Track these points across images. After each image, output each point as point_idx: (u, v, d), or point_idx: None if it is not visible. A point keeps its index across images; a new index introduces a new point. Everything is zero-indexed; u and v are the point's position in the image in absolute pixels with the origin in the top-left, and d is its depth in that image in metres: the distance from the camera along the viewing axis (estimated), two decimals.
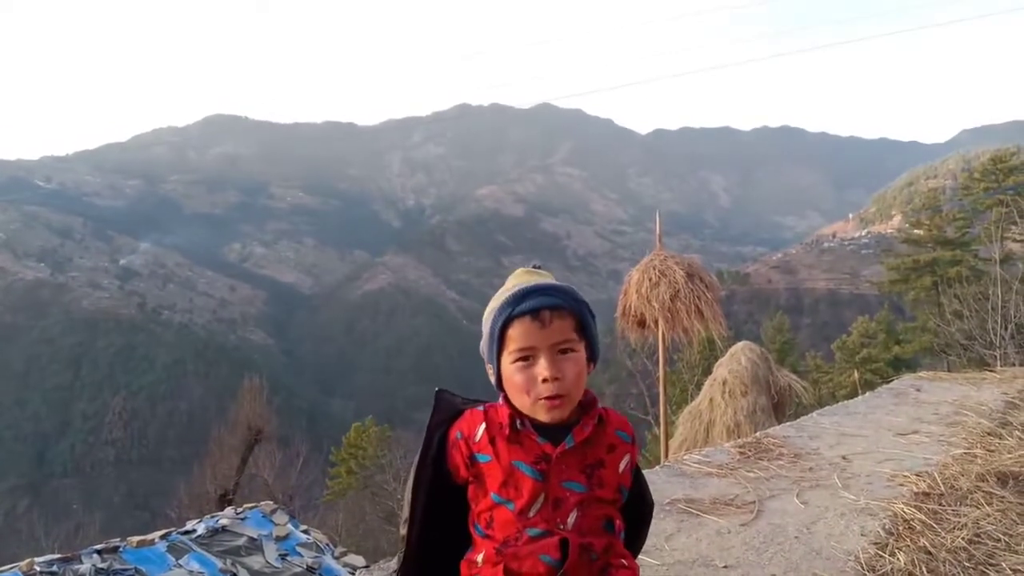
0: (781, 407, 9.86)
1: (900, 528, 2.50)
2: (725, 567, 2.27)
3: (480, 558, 1.45)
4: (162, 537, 8.52)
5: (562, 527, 1.40)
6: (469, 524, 1.51)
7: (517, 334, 1.42)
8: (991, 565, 2.18)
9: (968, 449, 3.54)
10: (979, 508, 2.62)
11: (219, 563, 8.32)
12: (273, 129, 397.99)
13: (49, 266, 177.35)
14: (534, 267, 1.57)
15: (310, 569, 8.91)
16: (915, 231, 34.79)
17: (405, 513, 1.53)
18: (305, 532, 10.15)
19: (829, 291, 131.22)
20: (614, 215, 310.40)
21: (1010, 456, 3.29)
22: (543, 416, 1.42)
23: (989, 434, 3.86)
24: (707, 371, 12.60)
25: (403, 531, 1.53)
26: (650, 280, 8.82)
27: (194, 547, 8.51)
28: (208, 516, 10.19)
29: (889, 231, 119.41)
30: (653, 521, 1.83)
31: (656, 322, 8.74)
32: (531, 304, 1.42)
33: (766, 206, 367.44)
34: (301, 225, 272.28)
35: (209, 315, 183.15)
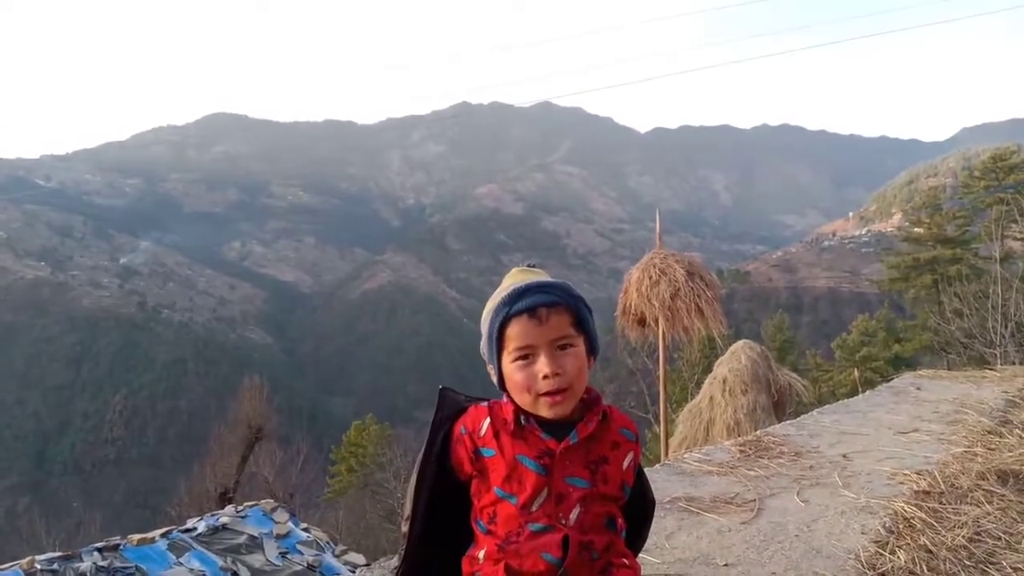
0: (781, 405, 9.86)
1: (900, 526, 2.51)
2: (726, 565, 2.27)
3: (482, 555, 1.46)
4: (163, 535, 8.53)
5: (564, 523, 1.41)
6: (471, 520, 1.51)
7: (515, 333, 1.43)
8: (991, 563, 2.18)
9: (968, 447, 3.54)
10: (979, 506, 2.62)
11: (220, 561, 8.33)
12: (273, 128, 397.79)
13: (49, 265, 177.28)
14: (528, 266, 1.58)
15: (311, 567, 8.92)
16: (915, 229, 34.82)
17: (407, 510, 1.54)
18: (305, 530, 10.17)
19: (829, 289, 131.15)
20: (614, 213, 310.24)
21: (1010, 454, 3.30)
22: (546, 412, 1.43)
23: (989, 432, 3.86)
24: (707, 369, 12.60)
25: (404, 528, 1.54)
26: (650, 278, 8.82)
27: (195, 545, 8.52)
28: (209, 514, 10.21)
29: (889, 229, 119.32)
30: (654, 519, 1.84)
31: (656, 320, 8.74)
32: (527, 302, 1.43)
33: (766, 204, 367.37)
34: (301, 224, 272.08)
35: (209, 314, 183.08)
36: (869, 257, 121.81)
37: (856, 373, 21.78)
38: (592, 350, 1.49)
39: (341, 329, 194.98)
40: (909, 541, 2.36)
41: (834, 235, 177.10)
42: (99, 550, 7.97)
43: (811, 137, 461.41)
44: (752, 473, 3.27)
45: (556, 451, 1.43)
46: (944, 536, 2.37)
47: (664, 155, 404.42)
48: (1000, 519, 2.50)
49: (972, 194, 34.09)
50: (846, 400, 5.44)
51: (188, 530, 8.96)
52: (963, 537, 2.34)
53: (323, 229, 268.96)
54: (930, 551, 2.27)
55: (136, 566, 7.80)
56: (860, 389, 7.27)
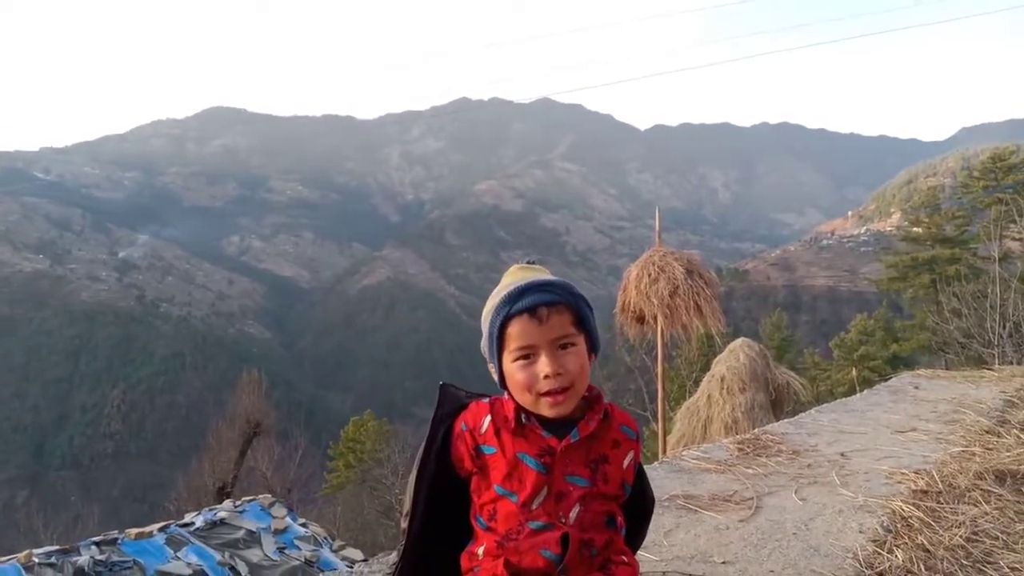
0: (779, 404, 9.88)
1: (898, 526, 2.51)
2: (724, 563, 2.28)
3: (481, 551, 1.46)
4: (160, 529, 8.54)
5: (564, 521, 1.41)
6: (471, 517, 1.51)
7: (516, 332, 1.42)
8: (989, 563, 2.18)
9: (966, 447, 3.55)
10: (977, 506, 2.62)
11: (217, 556, 8.34)
12: (272, 122, 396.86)
13: (48, 258, 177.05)
14: (528, 263, 1.57)
15: (308, 562, 8.93)
16: (914, 229, 34.83)
17: (407, 506, 1.53)
18: (303, 525, 10.18)
19: (828, 288, 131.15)
20: (613, 211, 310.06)
21: (1008, 454, 3.30)
22: (548, 412, 1.43)
23: (987, 432, 3.86)
24: (705, 367, 12.60)
25: (404, 524, 1.53)
26: (649, 276, 8.82)
27: (192, 540, 8.53)
28: (206, 509, 10.21)
29: (888, 229, 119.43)
30: (652, 517, 1.84)
31: (655, 318, 8.74)
32: (528, 302, 1.42)
33: (765, 203, 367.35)
34: (300, 218, 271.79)
35: (207, 308, 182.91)
36: (868, 256, 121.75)
37: (854, 372, 21.78)
38: (593, 348, 1.48)
39: (340, 324, 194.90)
40: (907, 540, 2.36)
41: (833, 234, 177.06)
42: (97, 544, 7.98)
43: (811, 136, 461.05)
44: (750, 471, 3.28)
45: (557, 449, 1.43)
46: (942, 535, 2.37)
47: (664, 152, 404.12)
48: (998, 519, 2.51)
49: (971, 194, 34.11)
50: (844, 399, 5.44)
51: (186, 524, 8.97)
52: (961, 537, 2.35)
53: (322, 224, 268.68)
54: (928, 550, 2.27)
55: (134, 560, 7.81)
56: (858, 388, 7.27)
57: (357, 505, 27.55)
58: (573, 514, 1.41)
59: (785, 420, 4.72)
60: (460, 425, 1.51)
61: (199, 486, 21.86)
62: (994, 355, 14.61)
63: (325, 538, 10.25)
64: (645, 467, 1.80)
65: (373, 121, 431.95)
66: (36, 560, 7.33)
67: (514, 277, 1.50)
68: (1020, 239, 22.80)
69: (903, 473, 3.13)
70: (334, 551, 9.79)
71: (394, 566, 1.56)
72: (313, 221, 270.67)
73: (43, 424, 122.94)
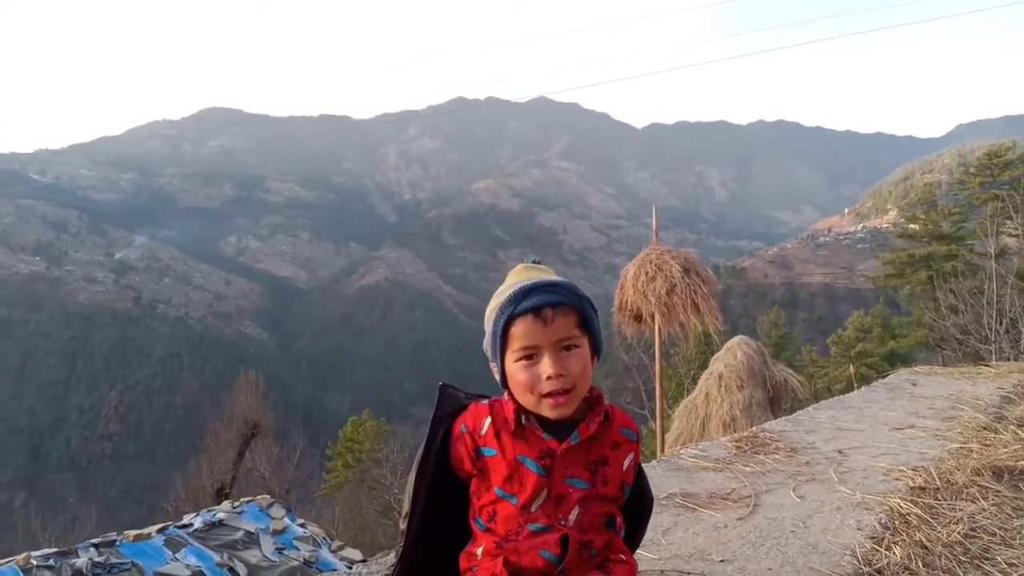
0: (777, 401, 9.88)
1: (896, 522, 2.51)
2: (722, 561, 2.28)
3: (480, 551, 1.46)
4: (159, 531, 8.52)
5: (563, 523, 1.41)
6: (470, 518, 1.51)
7: (520, 333, 1.42)
8: (986, 559, 2.19)
9: (963, 444, 3.55)
10: (974, 503, 2.63)
11: (216, 557, 8.32)
12: (268, 122, 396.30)
13: (44, 260, 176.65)
14: (533, 262, 1.56)
15: (307, 563, 8.92)
16: (910, 226, 34.84)
17: (406, 507, 1.53)
18: (302, 526, 10.17)
19: (825, 286, 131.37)
20: (610, 209, 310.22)
21: (1005, 450, 3.31)
22: (549, 413, 1.42)
23: (984, 429, 3.87)
24: (703, 365, 12.62)
25: (403, 525, 1.53)
26: (646, 274, 8.82)
27: (191, 541, 8.51)
28: (205, 510, 10.20)
29: (884, 226, 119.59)
30: (650, 516, 1.84)
31: (652, 316, 8.74)
32: (533, 302, 1.41)
33: (762, 200, 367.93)
34: (297, 219, 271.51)
35: (204, 309, 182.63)
36: (864, 253, 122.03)
37: (852, 369, 21.86)
38: (596, 350, 1.48)
39: (337, 325, 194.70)
40: (905, 537, 2.36)
41: (830, 231, 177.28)
42: (95, 546, 7.96)
43: (807, 133, 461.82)
44: (748, 469, 3.28)
45: (557, 451, 1.43)
46: (939, 532, 2.38)
47: (661, 151, 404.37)
48: (995, 515, 2.51)
49: (967, 190, 34.13)
50: (842, 396, 5.44)
51: (184, 526, 8.96)
52: (958, 533, 2.35)
53: (319, 224, 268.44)
54: (925, 547, 2.27)
55: (132, 562, 7.80)
56: (856, 385, 7.29)
57: (355, 505, 27.55)
58: (573, 516, 1.41)
59: (783, 418, 4.72)
60: (460, 427, 1.51)
61: (197, 487, 21.83)
62: (991, 351, 14.66)
63: (324, 538, 10.24)
64: (643, 465, 1.80)
65: (370, 121, 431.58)
66: (34, 562, 7.32)
67: (519, 276, 1.49)
68: (1016, 235, 22.86)
69: (901, 470, 3.13)
70: (333, 551, 9.79)
71: (393, 566, 1.56)
72: (310, 221, 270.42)
73: (40, 426, 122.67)
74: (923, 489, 2.83)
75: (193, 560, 8.16)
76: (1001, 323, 15.27)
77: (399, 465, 24.62)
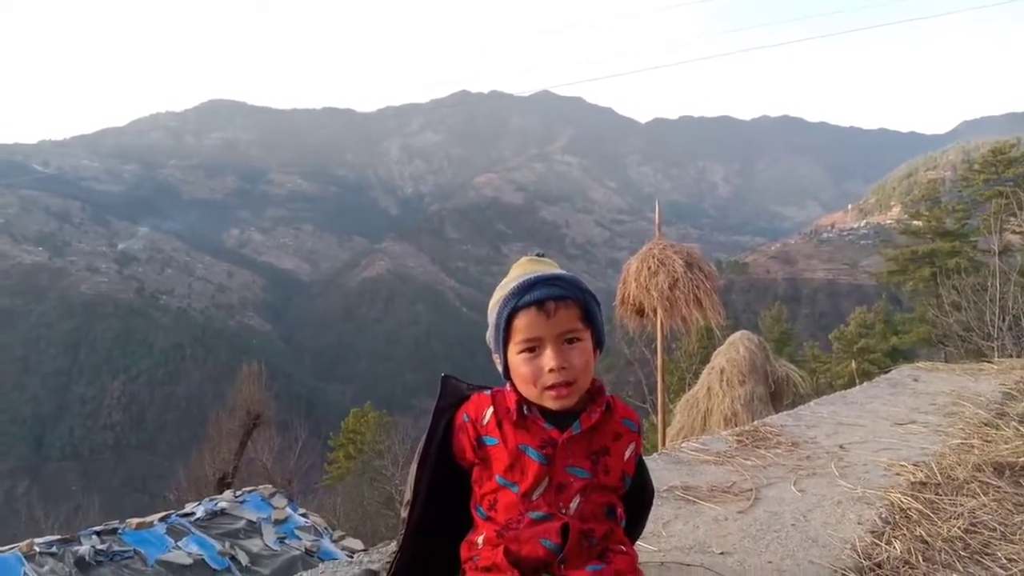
0: (778, 396, 9.89)
1: (897, 517, 2.52)
2: (722, 553, 2.28)
3: (480, 540, 1.47)
4: (161, 519, 8.56)
5: (564, 512, 1.42)
6: (471, 507, 1.52)
7: (523, 325, 1.42)
8: (987, 554, 2.19)
9: (965, 439, 3.55)
10: (975, 498, 2.63)
11: (218, 545, 8.36)
12: (271, 115, 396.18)
13: (47, 250, 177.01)
14: (537, 255, 1.57)
15: (308, 552, 8.96)
16: (914, 222, 34.83)
17: (407, 496, 1.54)
18: (304, 516, 10.20)
19: (827, 281, 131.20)
20: (613, 204, 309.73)
21: (1007, 447, 3.31)
22: (551, 405, 1.43)
23: (986, 425, 3.87)
24: (705, 360, 12.61)
25: (404, 514, 1.54)
26: (649, 269, 8.83)
27: (193, 530, 8.55)
28: (207, 499, 10.24)
29: (888, 222, 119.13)
30: (651, 508, 1.85)
31: (655, 311, 8.75)
32: (536, 295, 1.42)
33: (765, 196, 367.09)
34: (299, 211, 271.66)
35: (207, 300, 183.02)
36: (867, 249, 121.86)
37: (854, 365, 21.80)
38: (599, 344, 1.49)
39: (339, 317, 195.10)
40: (905, 532, 2.37)
41: (833, 227, 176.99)
42: (98, 533, 8.00)
43: (811, 129, 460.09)
44: (749, 463, 3.28)
45: (559, 441, 1.44)
46: (940, 527, 2.38)
47: (664, 146, 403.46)
48: (996, 511, 2.51)
49: (971, 187, 34.06)
50: (843, 391, 5.44)
51: (187, 515, 9.00)
52: (959, 528, 2.35)
53: (322, 217, 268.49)
54: (926, 542, 2.28)
55: (135, 549, 7.84)
56: (857, 381, 7.28)
57: (357, 496, 27.62)
58: (573, 505, 1.42)
59: (784, 412, 4.72)
60: (462, 416, 1.52)
61: (200, 477, 21.92)
62: (993, 348, 14.64)
63: (325, 528, 10.29)
64: (644, 458, 1.80)
65: (373, 114, 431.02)
66: (38, 549, 7.36)
67: (523, 269, 1.50)
68: (1020, 232, 22.82)
69: (902, 465, 3.13)
70: (334, 541, 9.83)
71: (394, 555, 1.57)
72: (313, 214, 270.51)
73: (43, 416, 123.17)
74: (924, 484, 2.83)
75: (195, 548, 8.20)
76: (1004, 320, 15.25)
77: (401, 456, 24.68)
